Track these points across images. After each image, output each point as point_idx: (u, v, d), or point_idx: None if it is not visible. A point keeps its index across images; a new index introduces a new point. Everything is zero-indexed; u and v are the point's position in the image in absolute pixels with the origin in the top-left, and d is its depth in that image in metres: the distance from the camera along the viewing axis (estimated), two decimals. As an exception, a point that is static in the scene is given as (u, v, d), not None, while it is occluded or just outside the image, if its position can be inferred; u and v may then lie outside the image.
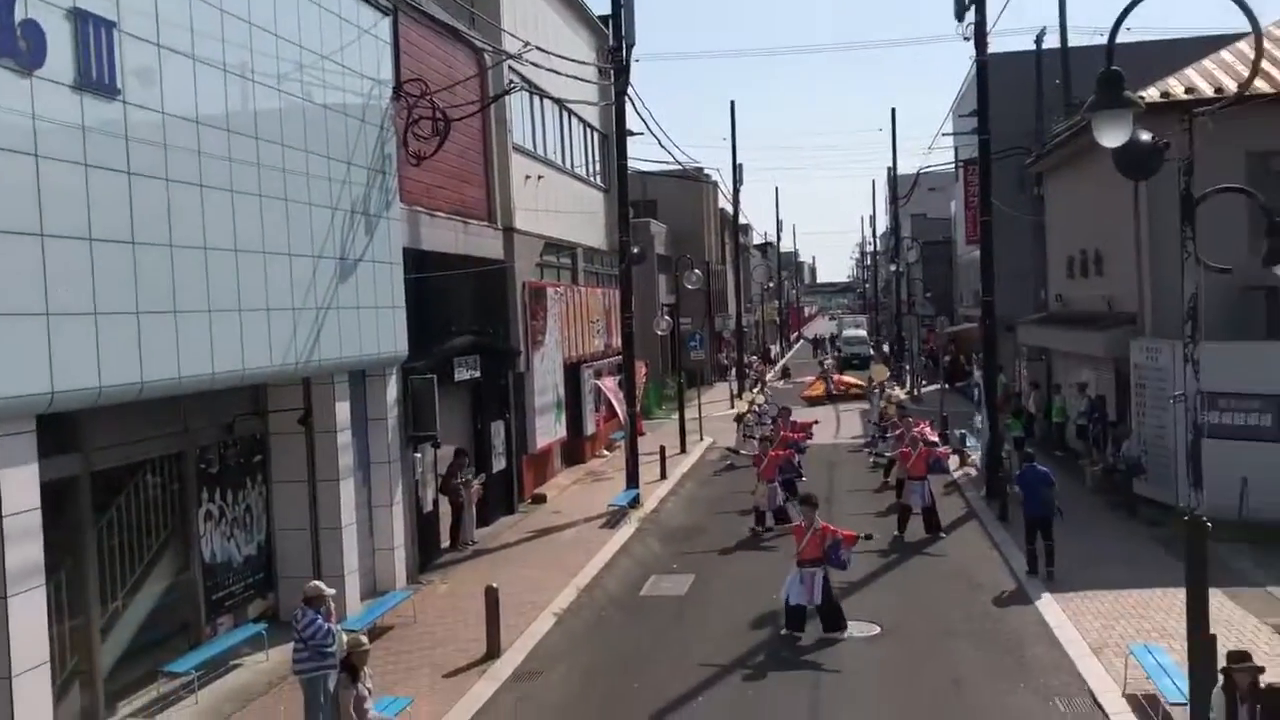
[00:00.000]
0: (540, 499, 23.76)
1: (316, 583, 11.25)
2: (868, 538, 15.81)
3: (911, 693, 11.83)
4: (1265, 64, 20.08)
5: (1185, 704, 9.83)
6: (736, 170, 52.47)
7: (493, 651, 13.37)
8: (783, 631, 13.83)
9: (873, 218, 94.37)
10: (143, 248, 10.18)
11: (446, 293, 19.12)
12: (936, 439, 22.78)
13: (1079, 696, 11.46)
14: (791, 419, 26.06)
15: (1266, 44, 20.49)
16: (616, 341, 29.32)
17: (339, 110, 14.33)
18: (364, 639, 10.44)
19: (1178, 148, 9.60)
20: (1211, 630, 9.76)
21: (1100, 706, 11.13)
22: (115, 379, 9.83)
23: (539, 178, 24.89)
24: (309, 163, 13.37)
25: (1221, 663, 9.00)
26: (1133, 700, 11.10)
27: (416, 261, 17.42)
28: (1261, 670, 8.57)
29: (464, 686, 12.37)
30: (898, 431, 22.54)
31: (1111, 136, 8.90)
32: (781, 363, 70.43)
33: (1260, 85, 19.28)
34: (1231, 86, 19.28)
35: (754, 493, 20.44)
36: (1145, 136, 9.72)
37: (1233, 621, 13.15)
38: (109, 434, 11.38)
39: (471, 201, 21.06)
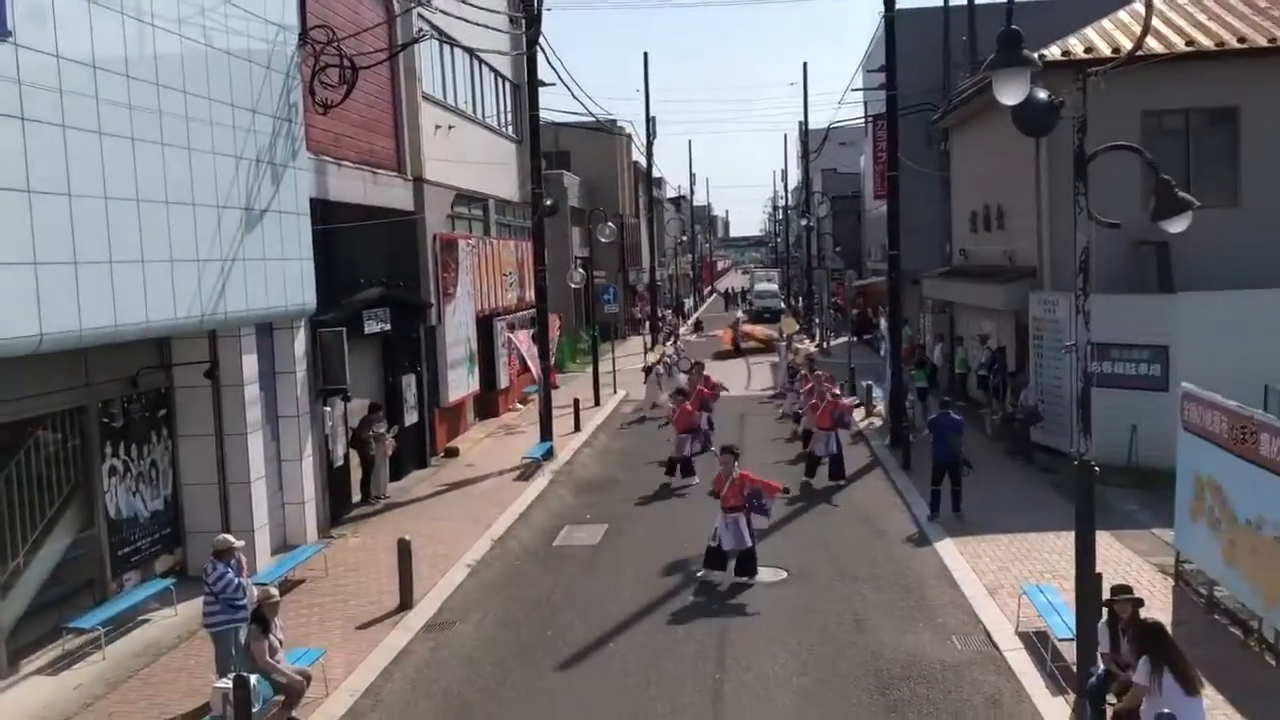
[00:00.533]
0: (453, 452, 23.74)
1: (225, 536, 11.20)
2: (785, 491, 16.52)
3: (816, 633, 12.22)
4: (1160, 25, 20.72)
5: (1072, 639, 10.34)
6: (650, 123, 52.44)
7: (406, 603, 13.44)
8: (699, 573, 14.22)
9: (785, 172, 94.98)
10: (40, 197, 9.87)
11: (356, 244, 18.87)
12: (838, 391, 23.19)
13: (974, 634, 11.98)
14: (705, 373, 26.35)
15: (1162, 6, 21.16)
16: (529, 295, 29.26)
17: (243, 56, 13.98)
18: (274, 591, 10.45)
19: (1073, 106, 9.92)
20: (1100, 570, 10.26)
21: (994, 643, 11.64)
22: (12, 331, 9.58)
23: (449, 128, 24.60)
24: (212, 110, 13.05)
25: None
26: (1024, 637, 11.64)
27: (324, 212, 17.16)
28: (1141, 603, 9.06)
29: (377, 637, 12.43)
30: (807, 386, 22.93)
31: (1010, 94, 9.18)
32: (695, 317, 70.93)
33: (1154, 46, 19.89)
34: (1128, 46, 19.84)
35: (669, 441, 21.02)
36: (1042, 95, 10.03)
37: (1120, 562, 13.81)
38: (7, 388, 11.10)
39: (380, 151, 20.76)
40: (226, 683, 9.38)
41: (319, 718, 10.32)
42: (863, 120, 42.94)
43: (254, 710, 9.29)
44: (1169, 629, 11.22)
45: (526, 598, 14.02)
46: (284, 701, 10.02)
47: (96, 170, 10.75)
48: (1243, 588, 11.33)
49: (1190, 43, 20.01)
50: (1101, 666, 9.31)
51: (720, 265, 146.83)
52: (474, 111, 27.78)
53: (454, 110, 25.51)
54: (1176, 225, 9.49)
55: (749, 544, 14.18)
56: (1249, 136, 20.36)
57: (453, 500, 19.53)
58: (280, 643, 10.17)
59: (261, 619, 9.92)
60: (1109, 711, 9.02)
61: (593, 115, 33.89)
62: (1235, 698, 9.81)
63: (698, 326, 61.64)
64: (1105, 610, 9.36)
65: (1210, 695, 9.71)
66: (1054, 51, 20.40)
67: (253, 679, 9.39)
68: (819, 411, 20.20)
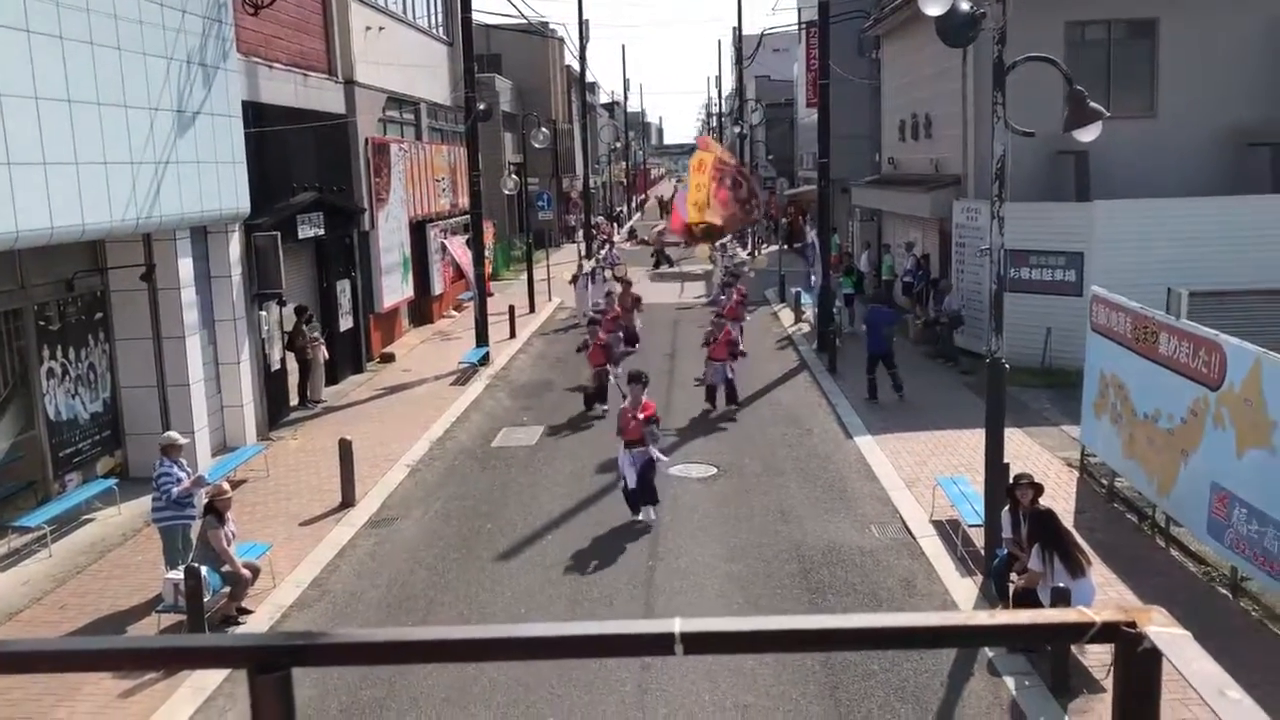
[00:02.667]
0: (389, 358, 23.93)
1: (170, 433, 11.45)
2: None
3: (743, 524, 12.85)
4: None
5: (981, 525, 11.07)
6: (583, 26, 51.62)
7: (348, 500, 13.82)
8: (638, 520, 13.03)
9: (718, 79, 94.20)
10: (-31, 96, 9.82)
11: (288, 148, 18.76)
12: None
13: (892, 524, 12.71)
14: (630, 288, 26.31)
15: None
16: (463, 200, 29.21)
17: (169, -47, 13.74)
18: (226, 486, 10.74)
19: (994, 18, 10.28)
20: (1011, 464, 10.95)
21: (910, 531, 12.38)
22: (-51, 232, 9.60)
23: (380, 29, 24.26)
24: (141, 8, 12.87)
25: (1012, 488, 10.19)
26: (938, 525, 12.39)
27: (256, 115, 17.03)
28: (1040, 489, 9.75)
29: (321, 533, 12.82)
30: (738, 294, 22.90)
31: (933, 5, 9.53)
32: (629, 224, 70.91)
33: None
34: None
35: (588, 378, 19.53)
36: (965, 6, 10.36)
37: (1030, 456, 14.62)
38: (-58, 290, 11.11)
39: (311, 53, 20.49)
40: (177, 573, 9.73)
41: (267, 608, 10.72)
42: (797, 27, 42.88)
43: (204, 600, 9.66)
44: (1072, 518, 12.14)
45: (466, 495, 14.47)
46: (230, 593, 10.40)
47: (25, 69, 10.65)
48: (1140, 478, 12.15)
49: (1113, -46, 20.43)
50: (1004, 549, 10.03)
51: (654, 173, 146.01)
52: (404, 12, 27.35)
53: (384, 11, 25.12)
54: (1087, 134, 9.99)
55: (650, 478, 13.13)
56: (1167, 48, 20.95)
57: (390, 404, 19.82)
58: (233, 535, 10.50)
59: (216, 512, 10.23)
60: (1010, 589, 9.77)
61: (525, 18, 33.49)
62: (1127, 576, 10.62)
63: (632, 235, 61.70)
64: (1008, 497, 10.04)
65: (1105, 574, 10.55)
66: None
67: (203, 570, 9.74)
68: (715, 342, 18.99)
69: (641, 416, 13.18)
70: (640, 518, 13.03)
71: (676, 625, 1.32)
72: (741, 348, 19.82)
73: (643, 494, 13.10)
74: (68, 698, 8.65)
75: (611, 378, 18.49)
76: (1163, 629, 1.29)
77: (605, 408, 18.46)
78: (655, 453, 13.15)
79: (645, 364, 22.39)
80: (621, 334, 22.48)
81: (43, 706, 8.54)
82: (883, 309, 18.50)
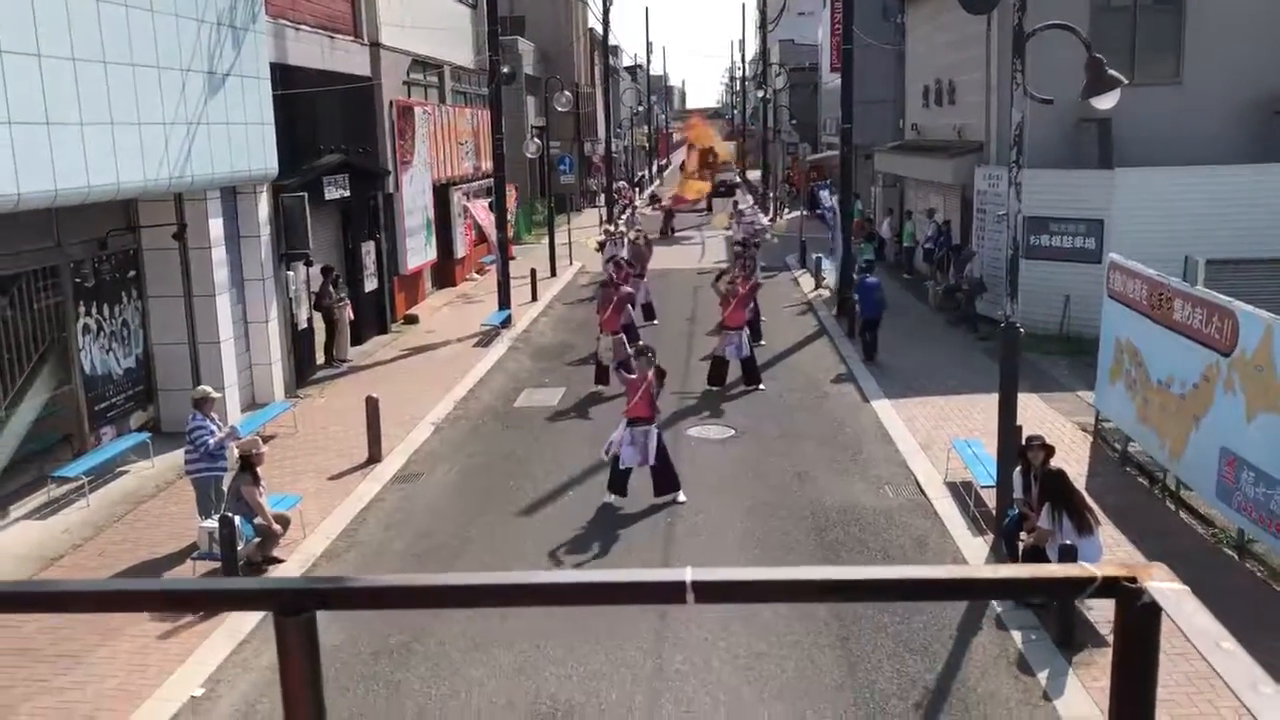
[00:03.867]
0: (413, 319, 24.24)
1: (203, 386, 11.78)
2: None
3: (761, 483, 13.12)
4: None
5: (994, 486, 11.28)
6: (606, -11, 51.44)
7: (374, 457, 14.15)
8: (607, 498, 12.42)
9: (742, 42, 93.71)
10: (10, 56, 10.08)
11: (315, 111, 18.99)
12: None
13: (906, 485, 12.95)
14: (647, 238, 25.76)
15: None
16: (486, 164, 29.39)
17: (200, -84, 13.93)
18: (260, 440, 11.07)
19: (1015, -16, 10.37)
20: (1026, 429, 11.15)
21: (924, 492, 12.61)
22: (-8, 190, 9.89)
23: (405, -8, 24.38)
24: (173, -28, 13.10)
25: (1024, 450, 10.40)
26: (951, 487, 12.61)
27: (284, 78, 17.25)
28: (1051, 450, 9.96)
29: (349, 487, 13.17)
30: (742, 270, 19.90)
31: (955, -28, 9.63)
32: (650, 189, 70.87)
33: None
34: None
35: (598, 345, 18.07)
36: (986, -27, 10.46)
37: (1045, 420, 14.79)
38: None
39: (338, 16, 20.66)
40: (212, 523, 10.08)
41: (298, 557, 11.07)
42: (821, -9, 42.60)
43: (238, 548, 10.02)
44: (1084, 481, 12.33)
45: (490, 452, 14.78)
46: (260, 543, 10.75)
47: (63, 30, 10.90)
48: (1152, 442, 12.33)
49: (1141, -80, 20.31)
50: (1016, 509, 10.26)
51: (677, 137, 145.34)
52: (429, -25, 27.43)
53: (409, -26, 25.21)
54: (1105, 102, 10.08)
55: (652, 461, 12.36)
56: (1193, 16, 20.83)
57: (415, 364, 20.14)
58: (264, 489, 10.84)
59: (250, 466, 10.56)
60: (1020, 548, 10.00)
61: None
62: (1137, 538, 10.82)
63: (653, 200, 61.70)
64: (1020, 458, 10.26)
65: (1115, 535, 10.77)
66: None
67: (236, 519, 10.08)
68: (730, 307, 17.48)
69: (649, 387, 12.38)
70: (622, 498, 12.29)
71: (688, 574, 1.33)
72: (761, 333, 19.69)
73: (664, 478, 12.37)
74: (110, 638, 9.03)
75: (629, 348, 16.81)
76: (1162, 584, 1.30)
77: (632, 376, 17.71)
78: (655, 439, 12.31)
79: (664, 330, 22.72)
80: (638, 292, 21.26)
81: (87, 645, 8.92)
82: (868, 279, 19.45)
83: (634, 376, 12.68)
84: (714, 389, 17.42)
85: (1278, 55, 20.61)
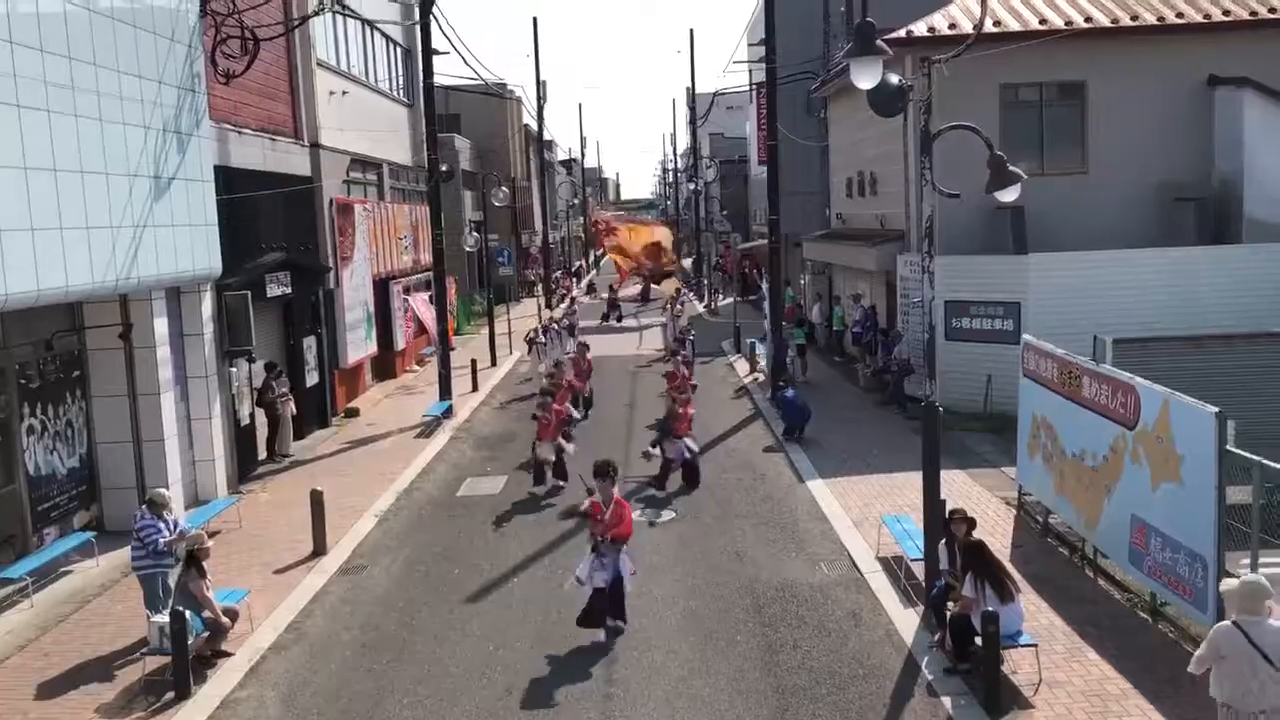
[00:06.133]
0: (353, 412, 24.42)
1: (161, 490, 12.00)
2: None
3: (701, 564, 13.50)
4: (1018, 4, 22.37)
5: (923, 559, 11.78)
6: (540, 86, 52.85)
7: (319, 549, 14.30)
8: (599, 638, 11.26)
9: (673, 136, 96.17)
10: (-36, 168, 10.39)
11: (257, 210, 19.39)
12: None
13: (840, 561, 13.41)
14: (586, 353, 24.81)
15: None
16: (425, 257, 29.90)
17: (148, 29, 14.44)
18: (205, 536, 11.24)
19: (920, 89, 11.22)
20: (953, 504, 11.68)
21: (857, 568, 13.08)
22: (-56, 296, 10.12)
23: (343, 93, 25.06)
24: (121, 83, 13.52)
25: (949, 524, 10.94)
26: (883, 562, 13.10)
27: (227, 179, 17.67)
28: (973, 523, 10.50)
29: (295, 580, 13.30)
30: (674, 383, 20.69)
31: (864, 79, 10.42)
32: (587, 278, 71.85)
33: (1012, 24, 21.57)
34: (989, 24, 21.40)
35: (534, 449, 17.70)
36: (894, 79, 11.31)
37: (971, 496, 15.42)
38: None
39: (279, 118, 21.21)
40: (163, 618, 10.21)
41: (246, 651, 11.17)
42: (748, 87, 44.25)
43: (189, 642, 10.14)
44: (1009, 552, 12.91)
45: (434, 543, 15.00)
46: (209, 638, 10.86)
47: (16, 142, 11.26)
48: (1070, 513, 12.96)
49: (1043, 21, 21.71)
50: (942, 580, 10.76)
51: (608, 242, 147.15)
52: (367, 77, 28.21)
53: (347, 75, 25.94)
54: (1007, 195, 10.86)
55: (625, 580, 11.53)
56: (1095, 109, 22.17)
57: (356, 457, 20.31)
58: (211, 584, 10.98)
59: (197, 563, 10.72)
60: (948, 616, 10.47)
61: (484, 80, 34.41)
62: (1057, 604, 11.36)
63: (590, 289, 62.61)
64: (945, 531, 10.79)
65: (1036, 602, 11.31)
66: (920, 27, 21.88)
67: (186, 614, 10.22)
68: (681, 419, 17.57)
69: (620, 507, 11.62)
70: (601, 634, 11.25)
71: None
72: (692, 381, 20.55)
73: (614, 606, 11.46)
74: None
75: (567, 450, 17.64)
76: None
77: (564, 484, 17.17)
78: (627, 562, 11.57)
79: (603, 416, 23.18)
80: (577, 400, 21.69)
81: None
82: (788, 393, 20.58)
83: (593, 499, 11.67)
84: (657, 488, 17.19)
85: (1175, 144, 21.95)
